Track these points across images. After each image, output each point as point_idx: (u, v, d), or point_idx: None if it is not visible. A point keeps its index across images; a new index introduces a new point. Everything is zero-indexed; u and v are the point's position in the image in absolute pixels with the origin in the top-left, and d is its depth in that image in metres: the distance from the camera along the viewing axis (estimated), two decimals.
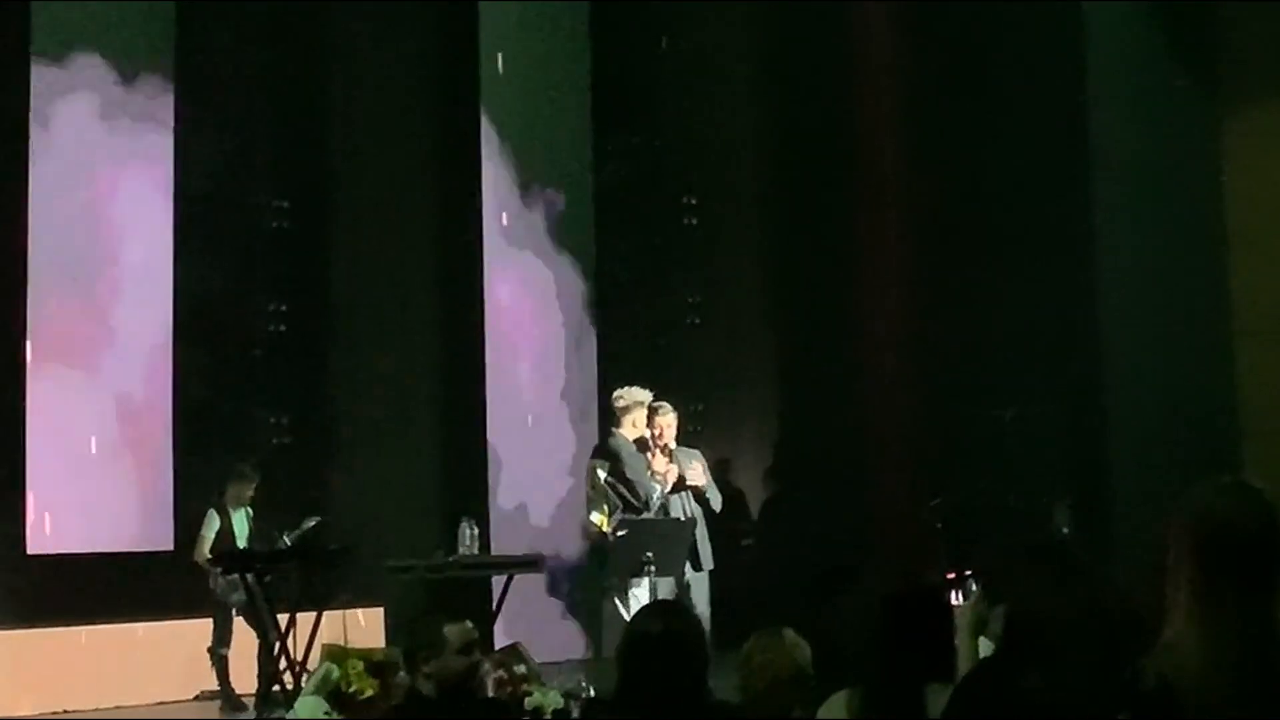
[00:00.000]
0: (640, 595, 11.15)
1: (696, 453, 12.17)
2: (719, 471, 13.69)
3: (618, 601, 11.33)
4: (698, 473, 11.79)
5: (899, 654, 4.78)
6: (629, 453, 11.69)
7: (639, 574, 10.86)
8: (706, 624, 11.31)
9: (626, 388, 12.22)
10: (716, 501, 11.93)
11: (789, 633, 5.76)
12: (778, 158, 16.95)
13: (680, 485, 11.73)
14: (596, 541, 11.85)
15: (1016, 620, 4.14)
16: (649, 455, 11.78)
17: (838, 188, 16.04)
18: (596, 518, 11.66)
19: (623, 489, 11.55)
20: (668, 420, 11.96)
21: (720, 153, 17.06)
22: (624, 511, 11.49)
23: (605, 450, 11.95)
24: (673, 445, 11.89)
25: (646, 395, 11.98)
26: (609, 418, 12.19)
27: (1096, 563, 4.56)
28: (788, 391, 16.94)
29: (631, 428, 11.84)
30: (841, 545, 14.45)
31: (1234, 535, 3.69)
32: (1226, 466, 13.04)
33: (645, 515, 11.54)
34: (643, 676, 4.72)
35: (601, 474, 11.70)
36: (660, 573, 10.93)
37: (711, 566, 11.66)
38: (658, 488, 11.59)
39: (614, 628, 11.29)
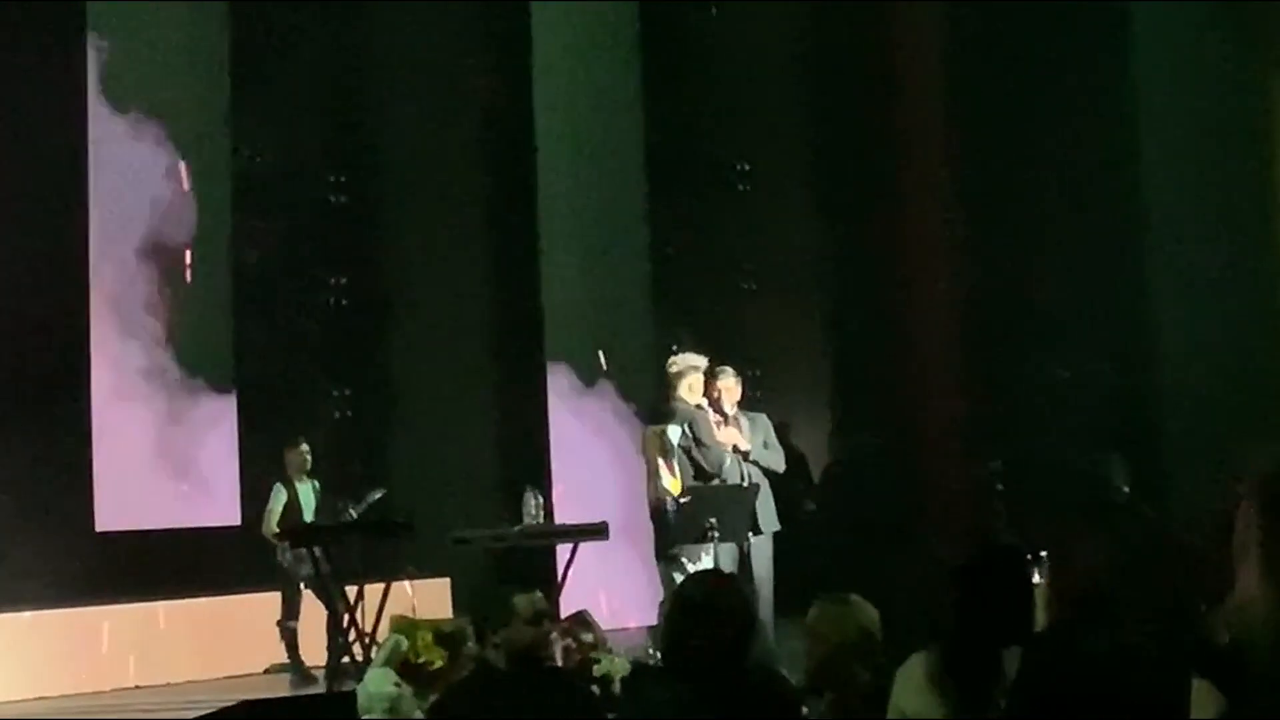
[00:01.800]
0: (703, 562, 11.19)
1: (761, 416, 12.10)
2: (779, 436, 13.68)
3: (673, 569, 11.34)
4: (744, 438, 11.69)
5: (978, 616, 4.81)
6: (701, 418, 11.58)
7: (704, 540, 10.85)
8: (768, 588, 11.37)
9: (681, 354, 12.14)
10: (778, 463, 11.86)
11: (856, 598, 5.75)
12: (829, 123, 16.96)
13: (736, 450, 11.69)
14: (659, 508, 11.79)
15: (1084, 581, 4.13)
16: (709, 416, 11.69)
17: (890, 151, 16.05)
18: (668, 482, 11.58)
19: (697, 455, 11.47)
20: (728, 384, 11.84)
21: (773, 118, 17.07)
22: (695, 478, 11.42)
23: (665, 416, 11.83)
24: (731, 410, 11.83)
25: (701, 360, 11.87)
26: (663, 384, 12.08)
27: (1160, 521, 4.58)
28: (843, 355, 16.97)
29: (688, 392, 11.73)
30: (901, 507, 14.50)
31: None
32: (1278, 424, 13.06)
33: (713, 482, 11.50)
34: (685, 643, 4.76)
35: (674, 438, 11.61)
36: (724, 539, 10.92)
37: (776, 528, 11.62)
38: (727, 455, 11.53)
39: (669, 595, 11.35)
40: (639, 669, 8.74)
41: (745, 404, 12.02)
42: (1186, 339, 15.03)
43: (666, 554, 11.32)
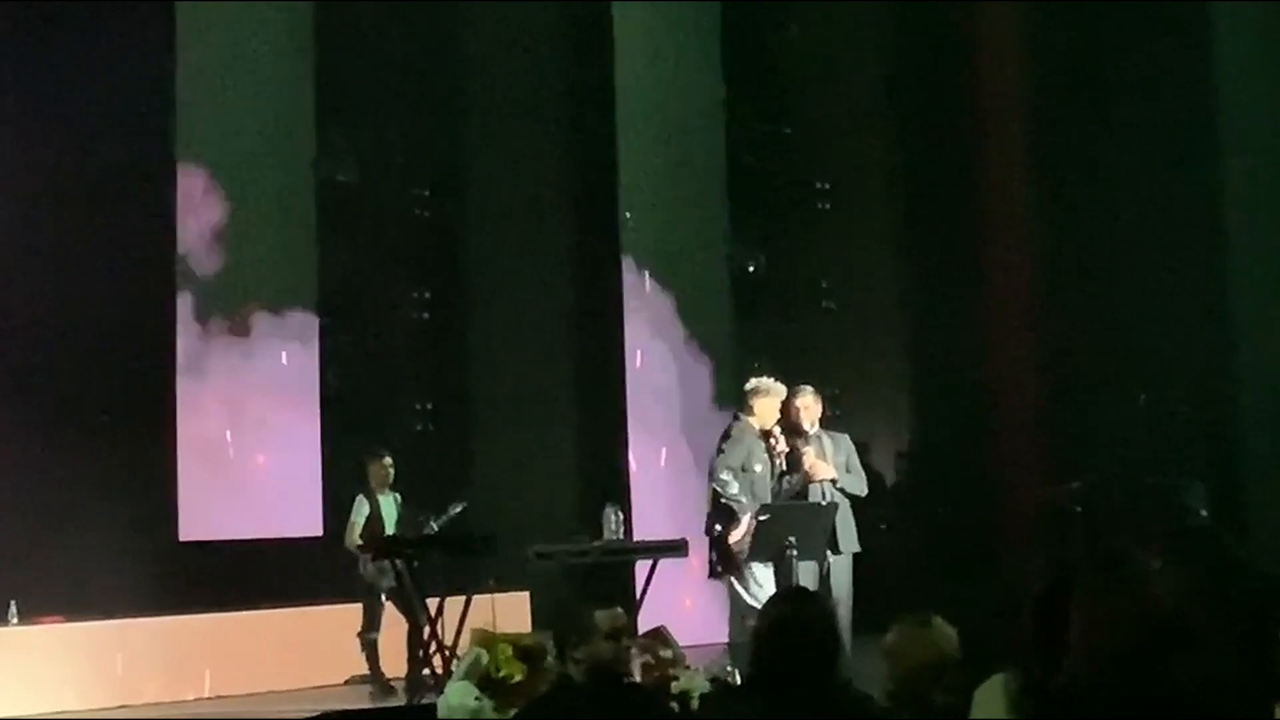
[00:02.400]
0: (764, 580, 11.22)
1: (844, 437, 12.09)
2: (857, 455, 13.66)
3: (739, 586, 11.36)
4: (824, 468, 11.66)
5: (1057, 640, 4.81)
6: (752, 441, 11.57)
7: (780, 559, 10.90)
8: (847, 609, 11.37)
9: (758, 377, 12.12)
10: (860, 488, 11.86)
11: (936, 620, 5.74)
12: (908, 142, 16.95)
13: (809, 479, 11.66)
14: (712, 524, 11.79)
15: (1164, 607, 4.10)
16: (771, 441, 11.68)
17: (968, 171, 16.03)
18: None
19: (740, 477, 11.50)
20: (806, 402, 11.81)
21: (852, 138, 17.08)
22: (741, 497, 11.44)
23: (727, 435, 11.86)
24: (811, 429, 11.83)
25: (774, 384, 11.85)
26: (739, 403, 12.08)
27: (1240, 547, 4.53)
28: (921, 375, 16.94)
29: (754, 415, 11.73)
30: (978, 529, 14.46)
31: None
32: None
33: (793, 499, 11.52)
34: (773, 660, 4.77)
35: (724, 459, 11.67)
36: (801, 557, 10.95)
37: (857, 549, 11.63)
38: (765, 478, 11.52)
39: (737, 612, 11.37)
40: (721, 687, 8.74)
41: (824, 424, 12.02)
42: (1267, 360, 14.93)
43: (736, 570, 11.34)
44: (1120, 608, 4.06)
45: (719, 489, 11.41)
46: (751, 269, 17.12)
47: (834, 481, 11.63)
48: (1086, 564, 4.22)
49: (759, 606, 11.15)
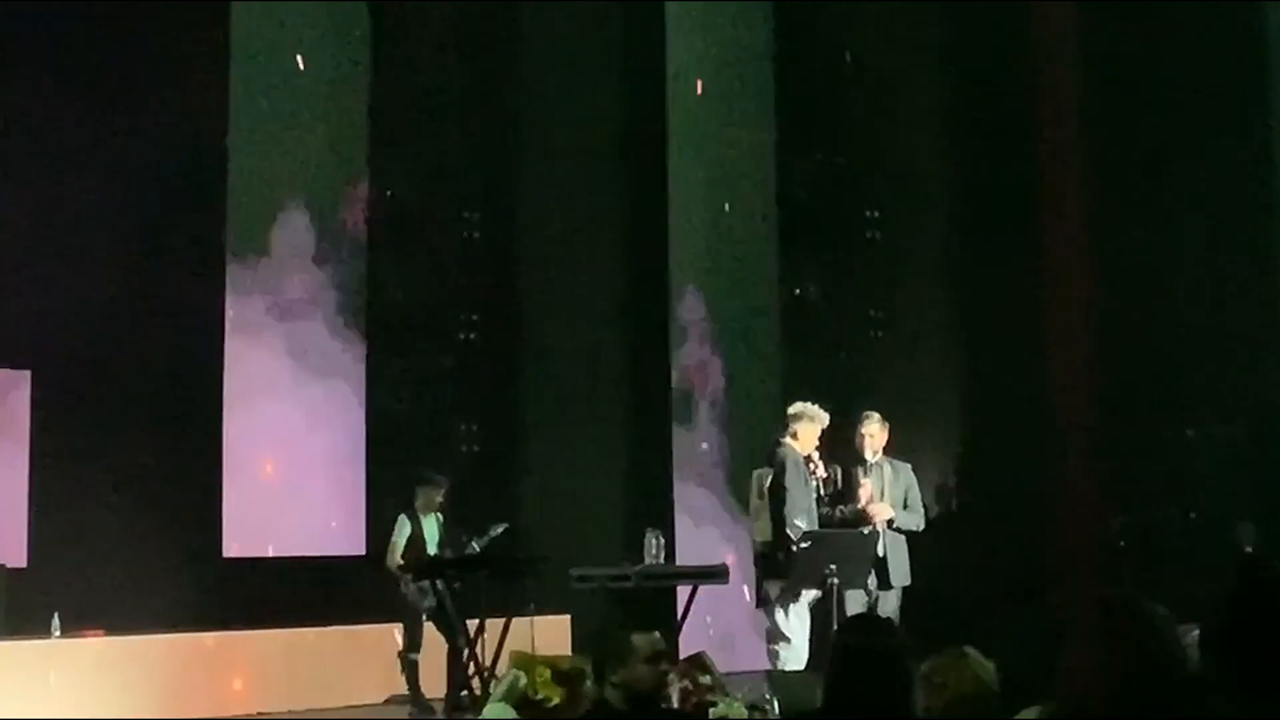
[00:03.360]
0: (800, 610, 11.17)
1: (906, 467, 12.00)
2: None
3: (780, 613, 11.31)
4: (883, 510, 11.59)
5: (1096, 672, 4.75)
6: (792, 465, 11.51)
7: (822, 586, 10.85)
8: None
9: (803, 402, 12.01)
10: (917, 524, 11.77)
11: (972, 651, 5.69)
12: (960, 172, 16.91)
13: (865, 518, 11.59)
14: (761, 551, 11.74)
15: (1214, 639, 4.04)
16: (811, 466, 11.61)
17: (1020, 201, 15.97)
18: (759, 527, 11.59)
19: (776, 501, 11.44)
20: (871, 430, 11.74)
21: (903, 167, 17.04)
22: (774, 523, 11.39)
23: (770, 459, 11.79)
24: (875, 457, 11.77)
25: (821, 414, 11.78)
26: (781, 430, 12.00)
27: None
28: (971, 406, 16.87)
29: (794, 439, 11.65)
30: (1026, 562, 14.38)
31: None
32: None
33: (836, 528, 11.46)
34: (852, 691, 4.70)
35: (764, 482, 11.62)
36: (844, 586, 10.91)
37: (907, 583, 11.57)
38: (804, 511, 11.44)
39: (774, 639, 11.32)
40: (793, 718, 8.63)
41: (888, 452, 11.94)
42: None
43: (775, 597, 11.28)
44: (1108, 655, 4.01)
45: (791, 535, 11.25)
46: (800, 297, 17.05)
47: (890, 522, 11.57)
48: (1084, 610, 4.16)
49: (790, 636, 11.18)
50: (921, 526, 11.83)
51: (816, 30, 17.19)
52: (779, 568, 11.28)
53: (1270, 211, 15.27)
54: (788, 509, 11.29)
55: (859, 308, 17.19)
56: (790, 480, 11.37)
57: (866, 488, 11.60)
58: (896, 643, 4.88)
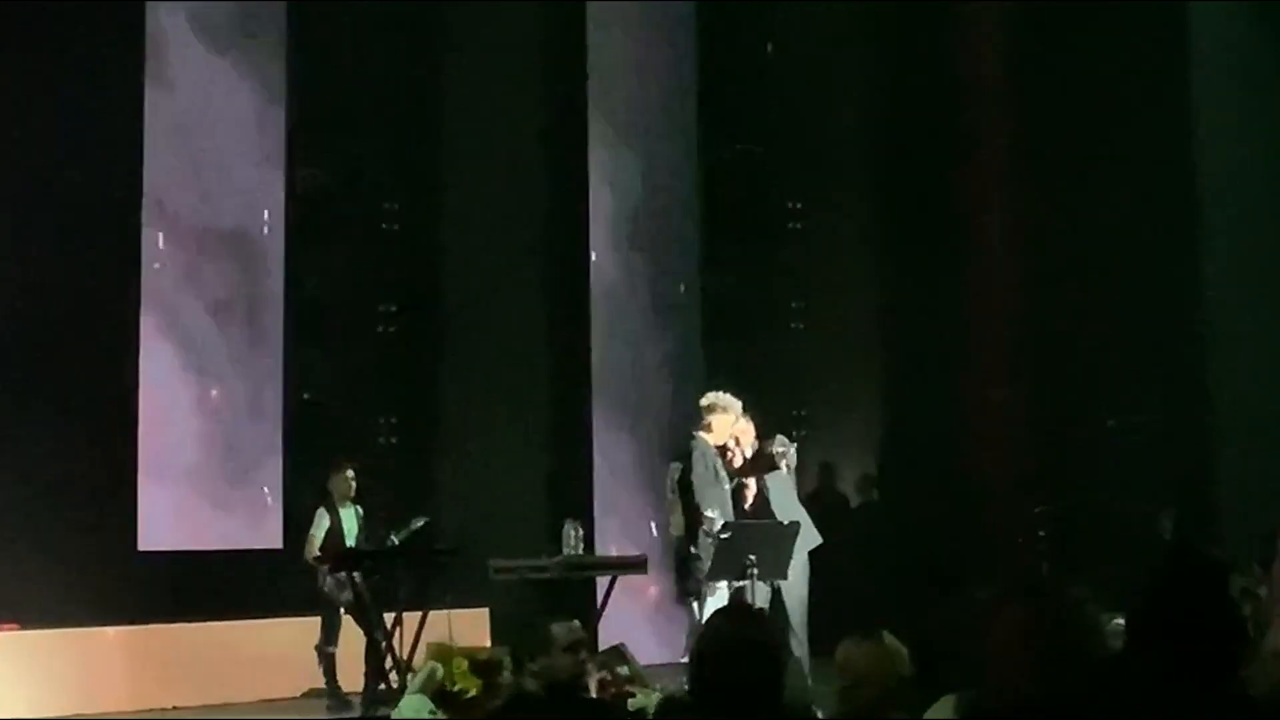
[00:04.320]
0: (722, 600, 11.15)
1: (780, 473, 12.02)
2: (824, 477, 13.62)
3: (698, 605, 11.29)
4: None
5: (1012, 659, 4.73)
6: (703, 457, 11.50)
7: (742, 577, 10.84)
8: (801, 627, 11.33)
9: (715, 392, 12.03)
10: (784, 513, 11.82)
11: (888, 636, 5.64)
12: (882, 162, 16.96)
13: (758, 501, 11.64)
14: (676, 545, 11.74)
15: (1140, 626, 4.03)
16: (728, 455, 11.62)
17: (942, 192, 16.03)
18: (675, 521, 11.58)
19: (687, 495, 11.44)
20: (740, 426, 11.85)
21: (825, 158, 17.06)
22: (686, 516, 11.40)
23: (683, 453, 11.77)
24: (748, 452, 11.81)
25: (733, 402, 11.78)
26: (696, 421, 11.97)
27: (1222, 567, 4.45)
28: (891, 396, 16.93)
29: (708, 430, 11.65)
30: (946, 550, 14.42)
31: None
32: None
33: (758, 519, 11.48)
34: (714, 679, 4.59)
35: (674, 474, 11.63)
36: (763, 576, 10.90)
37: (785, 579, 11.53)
38: (716, 504, 11.42)
39: (694, 631, 11.30)
40: (669, 703, 8.66)
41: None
42: (1238, 385, 14.94)
43: (694, 589, 11.27)
44: (1030, 643, 3.99)
45: (707, 529, 11.23)
46: (721, 288, 17.03)
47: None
48: (1002, 595, 4.13)
49: None
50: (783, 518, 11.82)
51: (738, 20, 17.19)
52: (693, 561, 11.27)
53: (1189, 201, 15.37)
54: (698, 500, 11.29)
55: (780, 298, 17.19)
56: (699, 474, 11.38)
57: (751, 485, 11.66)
58: (763, 630, 4.78)
